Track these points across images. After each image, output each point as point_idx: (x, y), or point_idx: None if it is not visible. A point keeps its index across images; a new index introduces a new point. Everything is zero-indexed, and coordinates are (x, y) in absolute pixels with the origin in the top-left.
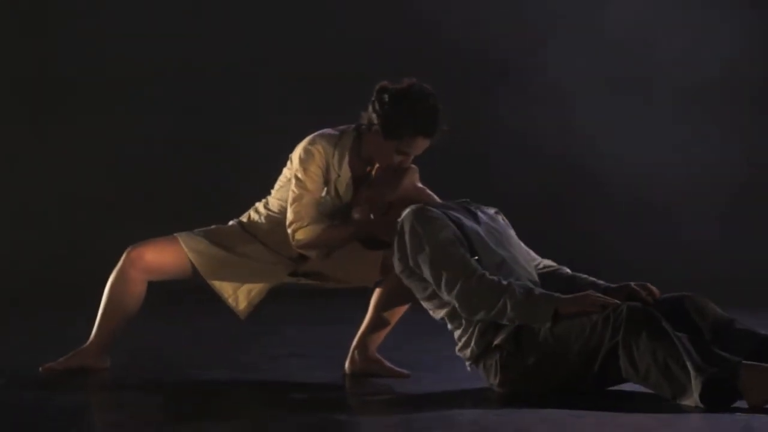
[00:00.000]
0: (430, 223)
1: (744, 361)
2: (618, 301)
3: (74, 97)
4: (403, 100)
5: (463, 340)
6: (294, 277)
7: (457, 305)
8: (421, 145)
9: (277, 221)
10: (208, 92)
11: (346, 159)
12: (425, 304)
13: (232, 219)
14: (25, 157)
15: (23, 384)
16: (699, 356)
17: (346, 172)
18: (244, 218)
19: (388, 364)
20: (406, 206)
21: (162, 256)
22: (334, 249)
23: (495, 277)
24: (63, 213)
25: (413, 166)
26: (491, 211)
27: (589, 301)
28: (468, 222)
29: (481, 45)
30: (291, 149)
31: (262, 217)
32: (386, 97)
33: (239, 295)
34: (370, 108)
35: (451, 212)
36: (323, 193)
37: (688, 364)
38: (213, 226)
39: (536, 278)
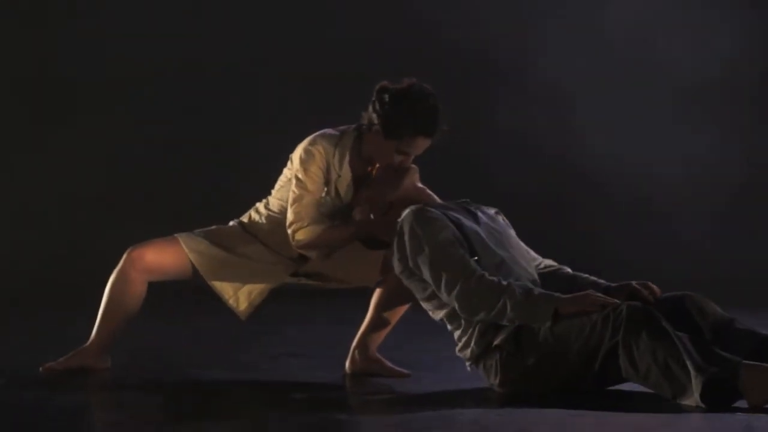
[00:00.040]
0: (429, 224)
1: (744, 361)
2: (618, 301)
3: (74, 97)
4: (403, 100)
5: (463, 340)
6: (295, 277)
7: (456, 306)
8: (422, 145)
9: (277, 221)
10: (208, 92)
11: (347, 159)
12: (425, 305)
13: (232, 219)
14: (25, 157)
15: (23, 384)
16: (699, 356)
17: (346, 173)
18: (244, 218)
19: (388, 363)
20: (406, 206)
21: (162, 257)
22: (334, 249)
23: (494, 278)
24: (63, 213)
25: (413, 166)
26: (491, 211)
27: (589, 300)
28: (467, 222)
29: (481, 45)
30: (291, 149)
31: (263, 218)
32: (386, 97)
33: (240, 295)
34: (371, 108)
35: (451, 213)
36: (323, 194)
37: (689, 364)
38: (213, 227)
39: (536, 278)
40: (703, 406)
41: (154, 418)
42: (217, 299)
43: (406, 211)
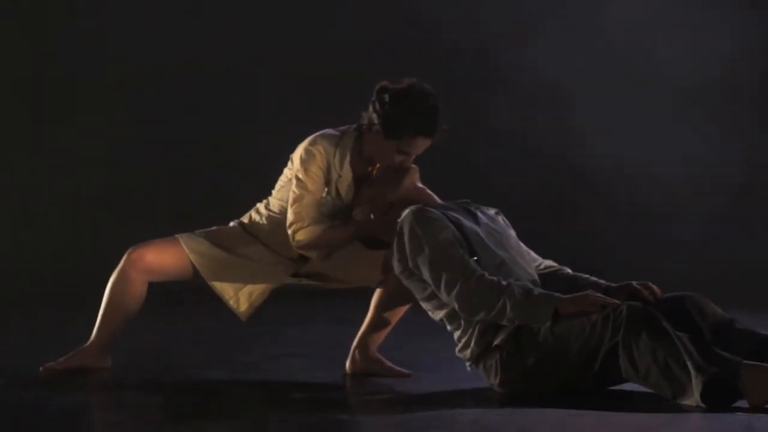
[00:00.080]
0: (429, 224)
1: (745, 361)
2: (618, 301)
3: (74, 97)
4: (403, 100)
5: (463, 340)
6: (295, 278)
7: (456, 306)
8: (422, 144)
9: (278, 222)
10: (208, 92)
11: (348, 159)
12: (424, 305)
13: (232, 219)
14: (25, 157)
15: (23, 384)
16: (700, 356)
17: (347, 173)
18: (245, 219)
19: (388, 363)
20: (406, 206)
21: (163, 257)
22: (334, 249)
23: (494, 278)
24: (63, 213)
25: (414, 166)
26: (491, 211)
27: (589, 300)
28: (467, 223)
29: (481, 45)
30: (291, 149)
31: (263, 218)
32: (386, 97)
33: (240, 296)
34: (371, 108)
35: (451, 213)
36: (324, 194)
37: (689, 364)
38: (214, 227)
39: (537, 278)
40: (703, 406)
41: (154, 418)
42: (217, 300)
43: (406, 212)
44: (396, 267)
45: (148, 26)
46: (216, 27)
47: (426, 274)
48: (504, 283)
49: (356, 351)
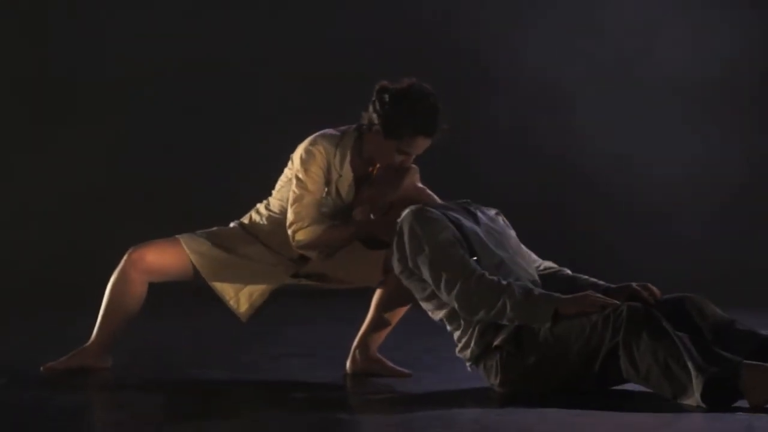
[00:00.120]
0: (429, 224)
1: (745, 361)
2: (617, 302)
3: (74, 97)
4: (403, 100)
5: (463, 341)
6: (295, 278)
7: (456, 306)
8: (422, 144)
9: (278, 222)
10: (208, 92)
11: (348, 159)
12: (424, 305)
13: (232, 219)
14: (25, 157)
15: (24, 384)
16: (700, 356)
17: (347, 172)
18: (245, 220)
19: (389, 363)
20: (406, 206)
21: (163, 258)
22: (335, 249)
23: (494, 278)
24: (63, 213)
25: (414, 166)
26: (492, 212)
27: (589, 301)
28: (467, 223)
29: (481, 45)
30: (291, 149)
31: (264, 218)
32: (386, 96)
33: (240, 297)
34: (371, 108)
35: (451, 213)
36: (324, 194)
37: (689, 364)
38: (214, 228)
39: (537, 278)
40: (703, 406)
41: (155, 418)
42: (217, 300)
43: (406, 211)
44: (396, 267)
45: (148, 26)
46: (216, 27)
47: (426, 274)
48: (504, 282)
49: (357, 351)
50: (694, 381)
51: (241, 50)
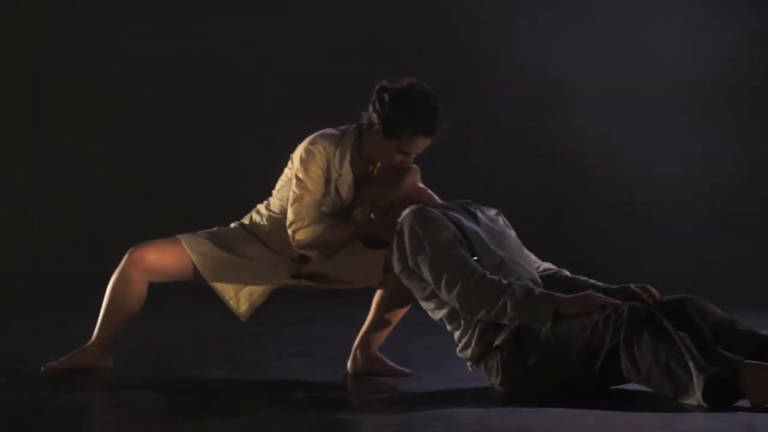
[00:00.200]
0: (429, 224)
1: (746, 361)
2: (618, 302)
3: (74, 97)
4: (402, 100)
5: (464, 341)
6: (296, 279)
7: (457, 305)
8: (422, 144)
9: (278, 222)
10: (208, 92)
11: (348, 159)
12: (424, 305)
13: (232, 219)
14: (25, 157)
15: (24, 384)
16: (701, 355)
17: (347, 172)
18: (245, 220)
19: (390, 363)
20: (407, 206)
21: (164, 258)
22: (335, 249)
23: (495, 277)
24: (63, 213)
25: (415, 166)
26: (492, 212)
27: (590, 301)
28: (467, 223)
29: (481, 45)
30: (291, 149)
31: (264, 219)
32: (386, 96)
33: (241, 297)
34: (371, 108)
35: (451, 213)
36: (323, 193)
37: (690, 364)
38: (215, 228)
39: (537, 278)
40: (704, 405)
41: (155, 418)
42: (217, 299)
43: (406, 211)
44: (396, 266)
45: (148, 26)
46: (216, 27)
47: (426, 274)
48: (505, 282)
49: (357, 350)
50: (695, 380)
51: (241, 50)
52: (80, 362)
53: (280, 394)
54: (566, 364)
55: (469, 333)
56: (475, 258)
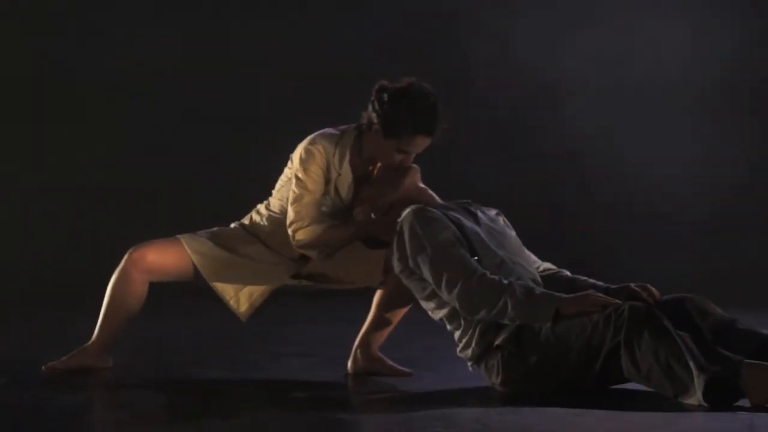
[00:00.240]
0: (430, 224)
1: (746, 360)
2: (619, 301)
3: (74, 97)
4: (402, 99)
5: (464, 341)
6: (296, 279)
7: (457, 305)
8: (422, 143)
9: (278, 222)
10: (208, 92)
11: (347, 158)
12: (424, 305)
13: (232, 220)
14: (25, 157)
15: (24, 384)
16: (701, 355)
17: (347, 172)
18: (245, 220)
19: (390, 363)
20: (407, 206)
21: (164, 257)
22: (335, 249)
23: (496, 277)
24: (63, 213)
25: (415, 165)
26: (492, 212)
27: (590, 300)
28: (468, 223)
29: (481, 45)
30: (291, 149)
31: (264, 219)
32: (385, 96)
33: (241, 297)
34: (370, 107)
35: (451, 213)
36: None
37: (691, 363)
38: (215, 228)
39: (538, 278)
40: (705, 405)
41: (156, 418)
42: (217, 299)
43: (406, 211)
44: (396, 266)
45: (148, 26)
46: (216, 27)
47: (427, 273)
48: (505, 282)
49: (358, 350)
50: (695, 380)
51: (241, 50)
52: (80, 362)
53: (280, 394)
54: (567, 363)
55: (470, 333)
56: (476, 258)
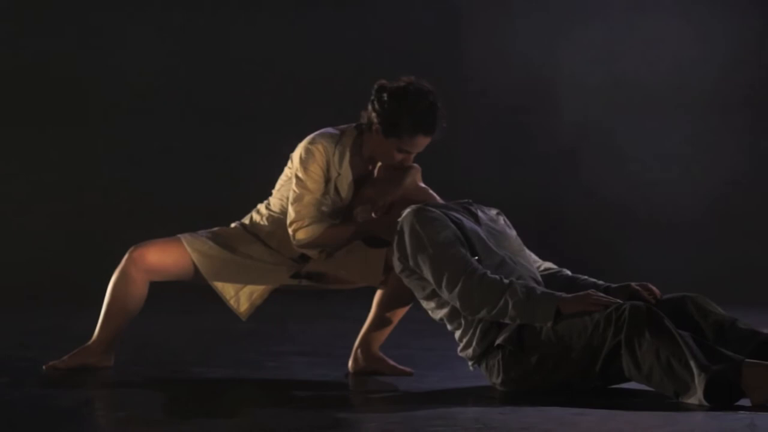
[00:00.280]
0: (430, 224)
1: (747, 360)
2: (620, 301)
3: (75, 97)
4: (401, 99)
5: (465, 340)
6: (296, 278)
7: (458, 304)
8: (422, 142)
9: (278, 221)
10: (209, 92)
11: (347, 158)
12: (424, 304)
13: (232, 220)
14: (26, 157)
15: (25, 382)
16: (702, 354)
17: (347, 171)
18: (246, 220)
19: (391, 362)
20: (407, 205)
21: (164, 257)
22: (335, 249)
23: (496, 276)
24: (63, 213)
25: (415, 165)
26: (492, 212)
27: (591, 300)
28: (468, 222)
29: (481, 45)
30: (291, 149)
31: (264, 218)
32: (385, 95)
33: (241, 296)
34: (370, 107)
35: (452, 212)
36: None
37: (692, 363)
38: (215, 228)
39: (539, 277)
40: (706, 404)
41: (157, 417)
42: (218, 298)
43: (407, 211)
44: (396, 266)
45: (149, 27)
46: (216, 27)
47: (427, 273)
48: (506, 281)
49: (358, 349)
50: (696, 379)
51: (241, 50)
52: (81, 361)
53: (281, 393)
54: (567, 363)
55: (470, 332)
56: (476, 257)
